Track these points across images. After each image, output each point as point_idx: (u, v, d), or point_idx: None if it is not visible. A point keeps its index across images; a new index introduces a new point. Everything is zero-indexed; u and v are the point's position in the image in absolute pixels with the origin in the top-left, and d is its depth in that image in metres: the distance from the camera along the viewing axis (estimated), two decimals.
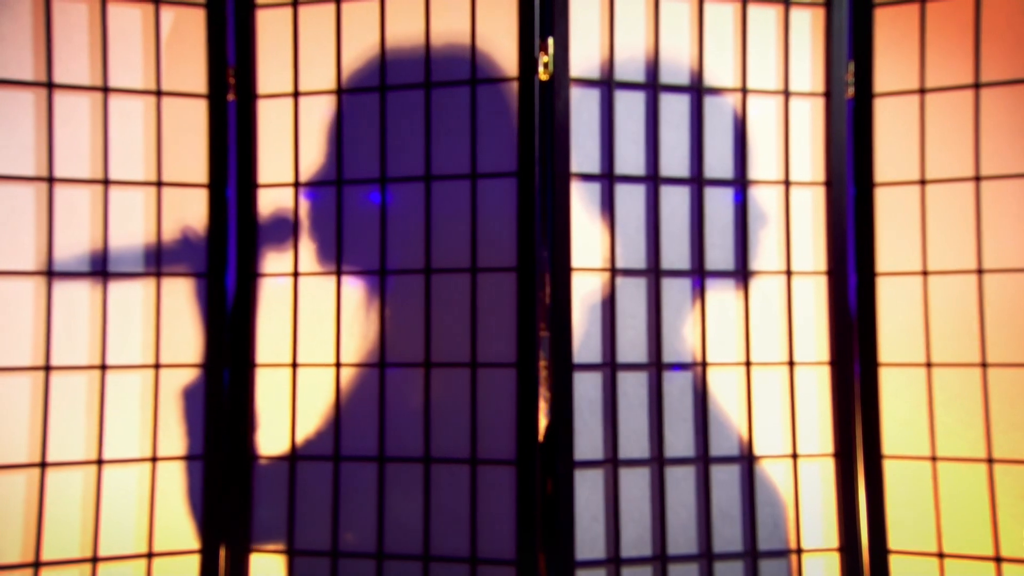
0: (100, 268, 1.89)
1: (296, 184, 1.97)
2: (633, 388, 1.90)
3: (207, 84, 1.97)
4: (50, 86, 1.86)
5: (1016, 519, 1.84)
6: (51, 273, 1.86)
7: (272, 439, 1.96)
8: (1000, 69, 1.89)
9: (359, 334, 1.94)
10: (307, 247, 1.97)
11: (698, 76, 1.95)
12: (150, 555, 1.89)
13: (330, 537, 1.91)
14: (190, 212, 1.95)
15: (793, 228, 1.98)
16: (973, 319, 1.89)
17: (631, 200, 1.92)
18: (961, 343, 1.90)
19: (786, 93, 1.98)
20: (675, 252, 1.93)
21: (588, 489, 1.86)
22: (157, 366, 1.92)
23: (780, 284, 1.97)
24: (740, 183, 1.96)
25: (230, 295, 1.96)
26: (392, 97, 1.94)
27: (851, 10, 1.97)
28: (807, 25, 1.99)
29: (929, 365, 1.92)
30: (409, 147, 1.93)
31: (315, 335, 1.95)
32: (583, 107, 1.90)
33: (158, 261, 1.93)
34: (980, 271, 1.89)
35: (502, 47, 1.90)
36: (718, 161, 1.96)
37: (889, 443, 1.94)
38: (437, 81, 1.92)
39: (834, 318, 1.97)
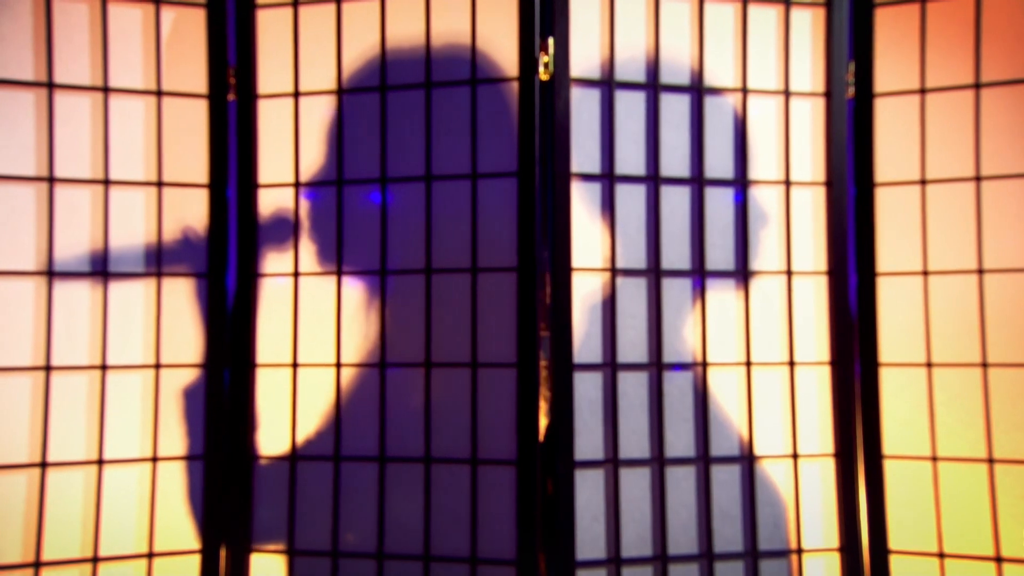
0: (100, 268, 1.89)
1: (296, 184, 1.97)
2: (633, 388, 1.90)
3: (207, 84, 1.97)
4: (50, 86, 1.87)
5: (1017, 519, 1.84)
6: (51, 273, 1.86)
7: (272, 439, 1.96)
8: (1000, 69, 1.89)
9: (359, 334, 1.94)
10: (307, 247, 1.97)
11: (698, 76, 1.95)
12: (150, 555, 1.89)
13: (330, 537, 1.91)
14: (190, 212, 1.95)
15: (793, 228, 1.98)
16: (974, 319, 1.89)
17: (631, 200, 1.92)
18: (962, 343, 1.90)
19: (786, 93, 1.98)
20: (675, 252, 1.93)
21: (588, 489, 1.86)
22: (157, 366, 1.92)
23: (780, 284, 1.97)
24: (740, 183, 1.96)
25: (230, 295, 1.96)
26: (392, 97, 1.94)
27: (851, 10, 1.97)
28: (807, 25, 1.99)
29: (930, 365, 1.92)
30: (409, 147, 1.93)
31: (315, 335, 1.95)
32: (583, 107, 1.90)
33: (158, 261, 1.93)
34: (981, 271, 1.89)
35: (502, 47, 1.90)
36: (718, 161, 1.96)
37: (889, 443, 1.94)
38: (437, 81, 1.92)
39: (834, 318, 1.97)
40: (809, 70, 1.99)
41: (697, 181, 1.94)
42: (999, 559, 1.84)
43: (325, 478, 1.93)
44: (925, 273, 1.93)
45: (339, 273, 1.95)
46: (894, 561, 1.91)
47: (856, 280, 1.97)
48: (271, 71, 1.99)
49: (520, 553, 1.82)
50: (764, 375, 1.96)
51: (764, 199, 1.98)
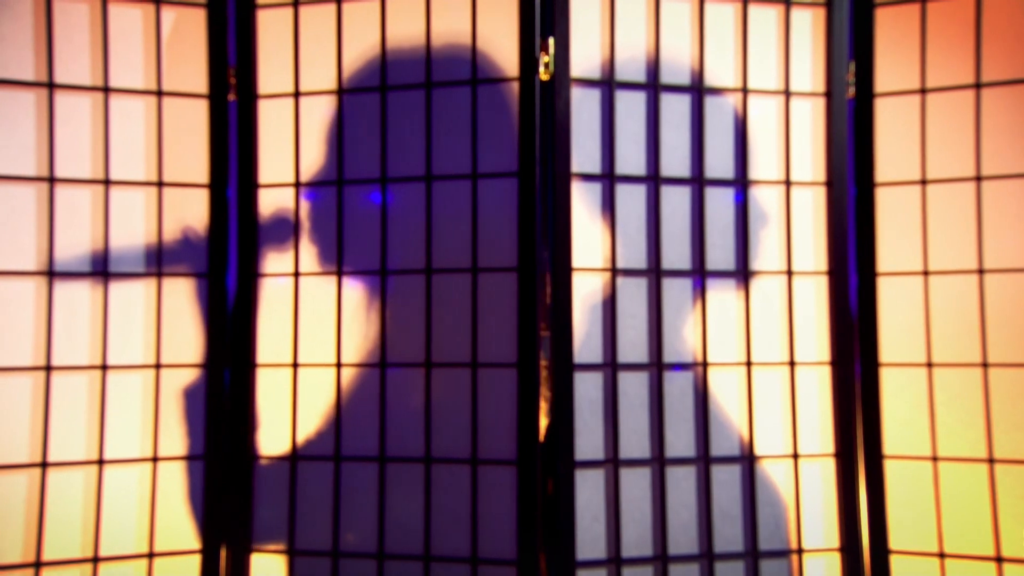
0: (101, 268, 1.89)
1: (297, 184, 1.97)
2: (634, 388, 1.90)
3: (208, 84, 1.97)
4: (51, 86, 1.87)
5: (1017, 519, 1.84)
6: (52, 273, 1.86)
7: (273, 439, 1.96)
8: (1001, 69, 1.89)
9: (360, 334, 1.94)
10: (308, 247, 1.97)
11: (699, 76, 1.95)
12: (151, 555, 1.89)
13: (331, 537, 1.91)
14: (191, 212, 1.96)
15: (794, 228, 1.97)
16: (974, 319, 1.89)
17: (632, 200, 1.92)
18: (962, 343, 1.90)
19: (787, 93, 1.98)
20: (676, 252, 1.93)
21: (589, 489, 1.86)
22: (158, 366, 1.92)
23: (781, 284, 1.97)
24: (741, 183, 1.96)
25: (231, 295, 1.96)
26: (393, 97, 1.94)
27: (852, 10, 1.97)
28: (808, 25, 1.99)
29: (930, 365, 1.92)
30: (410, 147, 1.93)
31: (316, 335, 1.95)
32: (584, 107, 1.90)
33: (159, 261, 1.93)
34: (981, 271, 1.89)
35: (503, 47, 1.90)
36: (719, 161, 1.96)
37: (890, 443, 1.94)
38: (438, 81, 1.92)
39: (835, 318, 1.97)
40: (809, 70, 1.99)
41: (697, 181, 1.94)
42: (999, 559, 1.84)
43: (325, 478, 1.93)
44: (925, 273, 1.93)
45: (339, 273, 1.95)
46: (894, 561, 1.91)
47: (856, 280, 1.97)
48: (271, 71, 1.99)
49: (520, 553, 1.82)
50: (764, 375, 1.96)
51: (764, 199, 1.98)
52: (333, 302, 1.95)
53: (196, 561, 1.92)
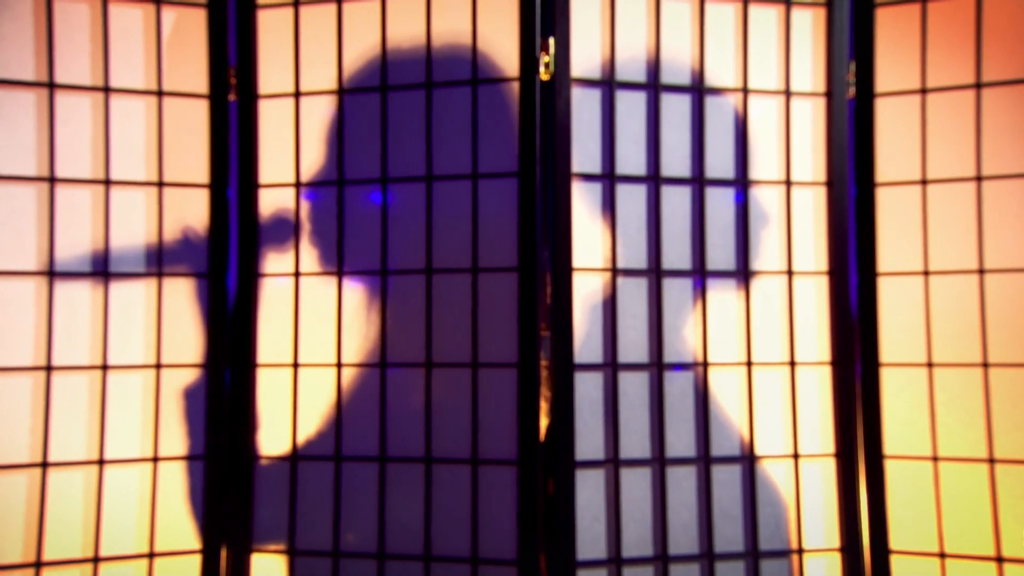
0: (101, 268, 1.89)
1: (297, 184, 1.97)
2: (634, 388, 1.90)
3: (208, 84, 1.97)
4: (51, 86, 1.87)
5: (1018, 519, 1.84)
6: (52, 273, 1.86)
7: (273, 439, 1.96)
8: (1001, 69, 1.89)
9: (360, 334, 1.94)
10: (308, 247, 1.97)
11: (699, 76, 1.95)
12: (151, 555, 1.89)
13: (331, 537, 1.91)
14: (191, 212, 1.96)
15: (794, 228, 1.97)
16: (974, 319, 1.89)
17: (632, 200, 1.92)
18: (962, 343, 1.90)
19: (787, 93, 1.98)
20: (676, 252, 1.93)
21: (589, 489, 1.86)
22: (158, 366, 1.92)
23: (781, 284, 1.97)
24: (741, 183, 1.96)
25: (231, 295, 1.96)
26: (393, 97, 1.94)
27: (852, 10, 1.97)
28: (808, 25, 1.99)
29: (930, 365, 1.92)
30: (410, 147, 1.93)
31: (316, 335, 1.95)
32: (584, 107, 1.90)
33: (159, 261, 1.93)
34: (981, 271, 1.89)
35: (503, 47, 1.90)
36: (719, 161, 1.96)
37: (890, 443, 1.94)
38: (438, 81, 1.92)
39: (835, 318, 1.97)
40: (810, 70, 1.99)
41: (698, 181, 1.94)
42: (1000, 559, 1.84)
43: (326, 478, 1.93)
44: (926, 273, 1.93)
45: (340, 273, 1.95)
46: (895, 561, 1.91)
47: (857, 280, 1.97)
48: (272, 71, 1.99)
49: (521, 553, 1.82)
50: (765, 375, 1.96)
51: (765, 199, 1.97)
52: (333, 302, 1.95)
53: (196, 561, 1.92)
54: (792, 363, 1.96)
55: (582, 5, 1.90)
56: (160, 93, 1.94)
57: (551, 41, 1.87)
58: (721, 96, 1.96)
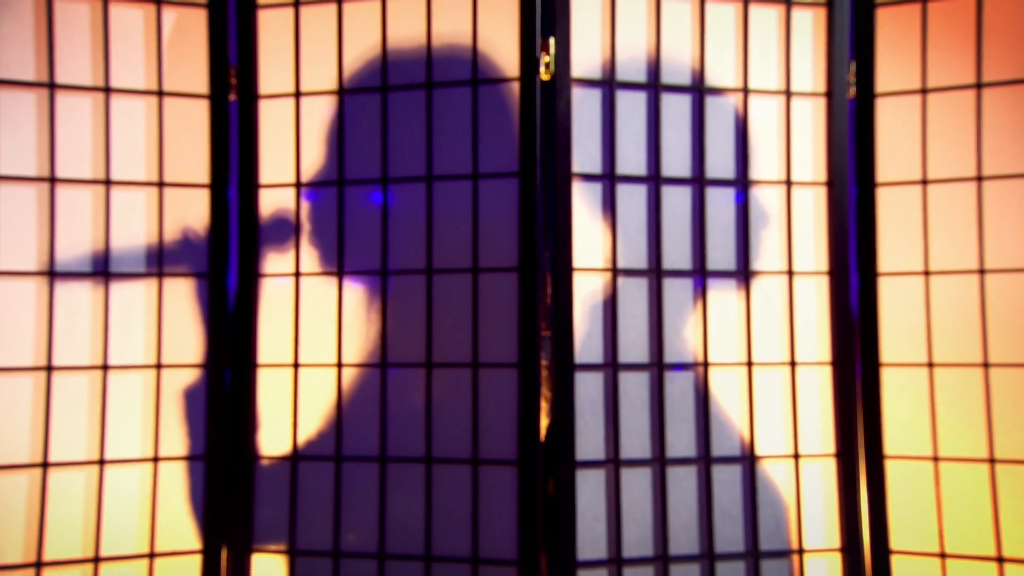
0: (102, 268, 1.89)
1: (297, 184, 1.97)
2: (635, 388, 1.90)
3: (208, 84, 1.97)
4: (52, 86, 1.87)
5: (1018, 519, 1.84)
6: (53, 273, 1.86)
7: (273, 439, 1.96)
8: (1002, 69, 1.89)
9: (360, 334, 1.94)
10: (308, 247, 1.97)
11: (699, 76, 1.95)
12: (152, 555, 1.89)
13: (331, 537, 1.91)
14: (191, 212, 1.96)
15: (795, 228, 1.97)
16: (975, 319, 1.89)
17: (632, 200, 1.92)
18: (963, 343, 1.90)
19: (788, 93, 1.98)
20: (676, 252, 1.93)
21: (590, 489, 1.86)
22: (159, 366, 1.92)
23: (782, 284, 1.97)
24: (741, 183, 1.96)
25: (231, 295, 1.96)
26: (393, 97, 1.94)
27: (853, 10, 1.97)
28: (809, 25, 1.99)
29: (931, 365, 1.92)
30: (410, 147, 1.93)
31: (316, 335, 1.95)
32: (584, 107, 1.90)
33: (159, 261, 1.93)
34: (982, 271, 1.89)
35: (503, 47, 1.90)
36: (719, 161, 1.96)
37: (891, 443, 1.94)
38: (438, 81, 1.92)
39: (836, 318, 1.97)
40: (810, 70, 1.99)
41: (698, 181, 1.94)
42: (1000, 559, 1.84)
43: (326, 478, 1.93)
44: (926, 273, 1.93)
45: (340, 273, 1.95)
46: (895, 561, 1.91)
47: (857, 280, 1.97)
48: (272, 71, 1.99)
49: (521, 553, 1.82)
50: (765, 375, 1.96)
51: (765, 199, 1.97)
52: (334, 302, 1.95)
53: (197, 561, 1.92)
54: (792, 363, 1.96)
55: (582, 5, 1.90)
56: (160, 93, 1.94)
57: (551, 41, 1.87)
58: (721, 96, 1.96)
